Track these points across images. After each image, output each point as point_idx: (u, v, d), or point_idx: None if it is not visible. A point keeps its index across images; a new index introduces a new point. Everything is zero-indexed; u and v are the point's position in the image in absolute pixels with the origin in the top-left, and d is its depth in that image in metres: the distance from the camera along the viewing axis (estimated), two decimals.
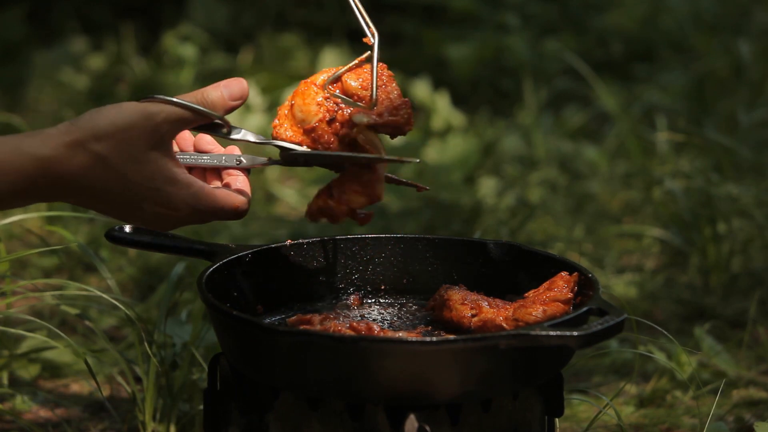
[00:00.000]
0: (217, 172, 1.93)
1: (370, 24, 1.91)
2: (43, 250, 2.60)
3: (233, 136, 1.89)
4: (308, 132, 1.90)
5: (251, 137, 1.90)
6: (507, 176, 4.11)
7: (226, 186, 1.91)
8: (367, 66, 1.90)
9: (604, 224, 3.67)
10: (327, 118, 1.89)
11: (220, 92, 1.85)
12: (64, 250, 3.09)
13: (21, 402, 2.52)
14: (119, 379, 2.47)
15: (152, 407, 2.35)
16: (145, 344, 2.32)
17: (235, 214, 1.87)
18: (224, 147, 1.96)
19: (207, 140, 1.95)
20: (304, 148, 1.92)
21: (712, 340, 2.80)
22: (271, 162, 1.94)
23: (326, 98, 1.89)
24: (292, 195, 4.09)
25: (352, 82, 1.90)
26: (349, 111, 1.89)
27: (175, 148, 1.92)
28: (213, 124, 1.86)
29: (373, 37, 1.90)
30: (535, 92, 4.69)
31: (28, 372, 2.64)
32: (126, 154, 1.77)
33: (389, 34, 5.44)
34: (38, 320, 2.45)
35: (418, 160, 1.97)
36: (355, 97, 1.89)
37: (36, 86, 5.02)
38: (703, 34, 5.51)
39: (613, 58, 5.47)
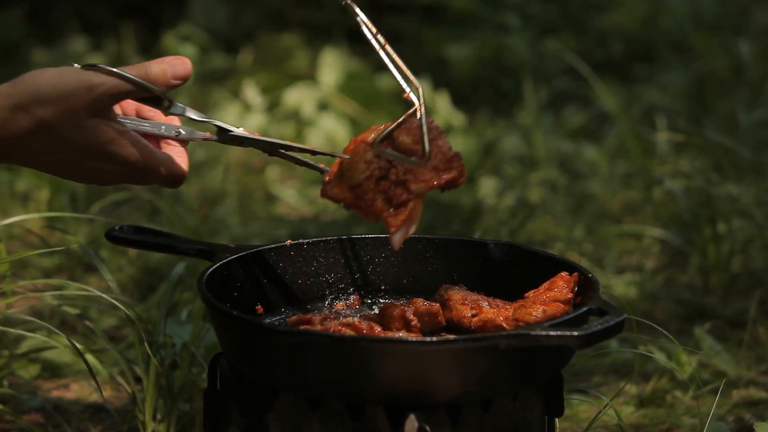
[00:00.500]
0: (155, 140, 1.94)
1: (413, 79, 1.91)
2: (44, 251, 2.60)
3: (173, 111, 1.90)
4: (353, 188, 1.90)
5: (192, 114, 1.91)
6: (507, 176, 4.11)
7: None
8: (415, 121, 1.91)
9: (604, 224, 3.67)
10: (377, 175, 1.89)
11: (163, 68, 1.85)
12: (64, 250, 3.09)
13: (21, 402, 2.51)
14: (119, 379, 2.47)
15: (152, 407, 2.35)
16: (145, 344, 2.31)
17: (171, 181, 1.89)
18: (166, 116, 1.97)
19: (149, 107, 1.95)
20: (240, 130, 1.94)
21: (712, 340, 2.80)
22: (209, 138, 1.95)
23: (376, 155, 1.90)
24: (292, 195, 4.09)
25: (404, 138, 1.90)
26: (404, 169, 1.89)
27: (118, 110, 1.93)
28: (154, 97, 1.87)
29: (416, 92, 1.90)
30: (535, 92, 4.69)
31: (28, 372, 2.64)
32: (68, 121, 1.79)
33: (389, 34, 5.44)
34: (38, 320, 2.45)
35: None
36: (407, 152, 1.90)
37: None
38: (703, 34, 5.51)
39: (613, 58, 5.47)
